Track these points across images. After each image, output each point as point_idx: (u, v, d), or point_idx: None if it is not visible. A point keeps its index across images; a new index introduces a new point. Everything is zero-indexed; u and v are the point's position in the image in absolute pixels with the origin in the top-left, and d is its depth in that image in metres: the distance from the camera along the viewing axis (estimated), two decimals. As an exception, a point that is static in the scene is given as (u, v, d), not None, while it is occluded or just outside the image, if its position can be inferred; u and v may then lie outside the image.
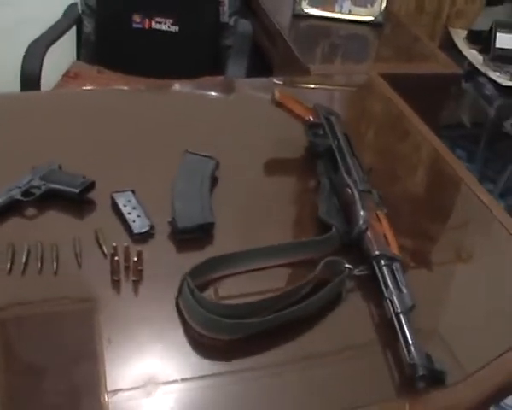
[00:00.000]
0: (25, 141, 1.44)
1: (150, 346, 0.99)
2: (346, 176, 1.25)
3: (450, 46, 3.18)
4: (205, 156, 1.33)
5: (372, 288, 1.08)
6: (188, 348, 0.99)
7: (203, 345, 0.99)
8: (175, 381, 0.94)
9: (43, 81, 2.31)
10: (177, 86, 1.84)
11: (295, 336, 1.02)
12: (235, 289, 1.09)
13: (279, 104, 1.44)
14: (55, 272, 1.10)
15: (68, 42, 2.63)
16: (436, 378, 0.95)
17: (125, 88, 2.10)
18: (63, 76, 2.50)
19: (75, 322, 1.05)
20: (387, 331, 1.01)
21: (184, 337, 1.00)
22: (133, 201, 1.23)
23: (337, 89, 1.92)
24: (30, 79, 2.22)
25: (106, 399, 0.91)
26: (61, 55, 2.54)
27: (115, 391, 0.92)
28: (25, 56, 2.27)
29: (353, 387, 0.97)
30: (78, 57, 2.69)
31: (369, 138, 1.65)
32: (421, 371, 0.93)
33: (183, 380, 0.95)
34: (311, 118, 1.42)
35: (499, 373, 1.01)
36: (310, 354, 1.02)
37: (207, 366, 0.97)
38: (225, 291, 1.08)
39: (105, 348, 0.98)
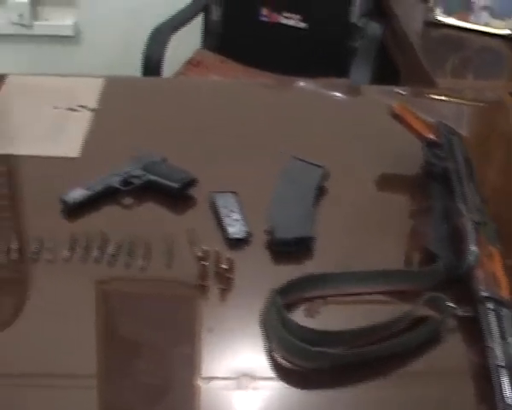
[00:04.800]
0: (133, 128, 1.43)
1: (250, 341, 0.97)
2: (460, 204, 1.16)
3: None
4: (312, 164, 1.26)
5: (476, 332, 0.98)
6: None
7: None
8: (270, 378, 0.92)
9: (166, 65, 2.31)
10: (296, 85, 1.79)
11: (382, 375, 0.95)
12: (325, 312, 1.03)
13: (397, 117, 1.36)
14: (143, 268, 1.08)
15: (194, 28, 2.62)
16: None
17: (245, 82, 2.08)
18: (186, 63, 2.49)
19: (179, 306, 1.06)
20: (486, 384, 0.91)
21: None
22: (233, 203, 1.18)
23: (463, 105, 1.81)
24: (151, 65, 2.22)
25: (199, 385, 0.92)
26: (187, 41, 2.53)
27: (210, 379, 0.92)
28: (148, 42, 2.27)
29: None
30: (203, 45, 2.67)
31: (493, 162, 1.55)
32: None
33: (279, 379, 0.92)
34: (430, 136, 1.34)
35: None
36: (398, 397, 0.94)
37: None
38: (314, 314, 1.02)
39: (204, 336, 0.98)
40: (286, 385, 0.93)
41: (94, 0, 2.90)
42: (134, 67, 2.49)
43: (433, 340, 0.99)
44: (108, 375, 0.94)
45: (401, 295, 1.05)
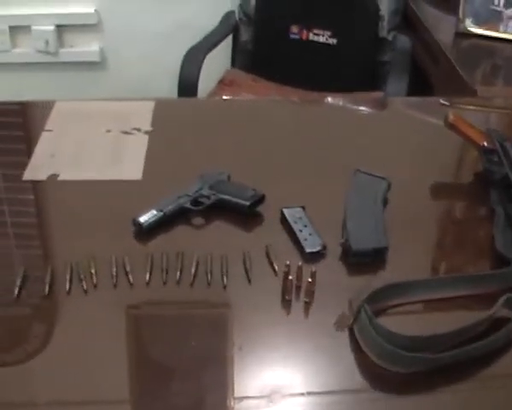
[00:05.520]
0: (191, 148, 1.46)
1: (279, 357, 0.98)
2: (523, 209, 1.19)
3: None
4: (377, 176, 1.29)
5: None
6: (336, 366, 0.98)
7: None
8: (301, 394, 0.93)
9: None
10: (334, 100, 1.80)
11: (463, 377, 0.97)
12: (408, 318, 1.06)
13: (452, 127, 1.39)
14: (225, 287, 1.09)
15: (223, 49, 2.66)
16: None
17: (284, 99, 2.10)
18: (218, 83, 2.52)
19: (209, 327, 1.06)
20: None
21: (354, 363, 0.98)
22: (304, 218, 1.20)
23: (501, 112, 1.84)
24: (187, 86, 2.24)
25: (232, 404, 0.92)
26: (216, 61, 2.57)
27: (241, 398, 0.93)
28: (183, 63, 2.30)
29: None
30: (233, 64, 2.71)
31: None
32: None
33: (309, 394, 0.93)
34: (485, 143, 1.37)
35: None
36: (480, 399, 0.96)
37: (334, 381, 0.96)
38: (398, 321, 1.04)
39: (235, 355, 0.98)
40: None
41: (119, 25, 2.92)
42: (160, 91, 2.53)
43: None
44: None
45: (475, 299, 1.08)
